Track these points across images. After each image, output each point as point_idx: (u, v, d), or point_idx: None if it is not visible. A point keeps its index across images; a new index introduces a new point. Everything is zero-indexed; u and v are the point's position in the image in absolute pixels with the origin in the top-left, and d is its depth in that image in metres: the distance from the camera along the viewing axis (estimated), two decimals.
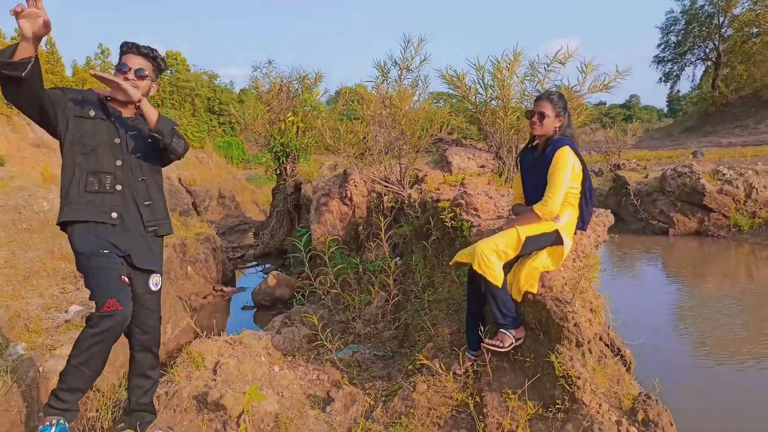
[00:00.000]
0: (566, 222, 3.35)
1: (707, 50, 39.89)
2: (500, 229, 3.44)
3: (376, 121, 5.65)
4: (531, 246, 3.27)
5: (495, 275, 3.20)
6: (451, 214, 4.66)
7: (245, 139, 50.95)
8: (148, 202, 2.86)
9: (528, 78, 6.59)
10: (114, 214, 2.71)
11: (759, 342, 5.07)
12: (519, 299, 3.30)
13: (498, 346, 3.24)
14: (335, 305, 5.20)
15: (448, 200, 4.99)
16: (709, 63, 40.45)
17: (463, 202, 4.68)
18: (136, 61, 2.82)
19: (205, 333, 4.31)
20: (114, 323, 2.42)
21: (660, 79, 43.53)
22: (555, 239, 3.30)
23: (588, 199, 3.46)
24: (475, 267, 3.21)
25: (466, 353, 3.54)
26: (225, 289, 7.42)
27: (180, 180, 13.21)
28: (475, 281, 3.35)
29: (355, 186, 6.48)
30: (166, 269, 6.36)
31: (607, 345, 3.19)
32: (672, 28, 41.16)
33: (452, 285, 4.38)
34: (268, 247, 9.79)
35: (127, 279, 2.63)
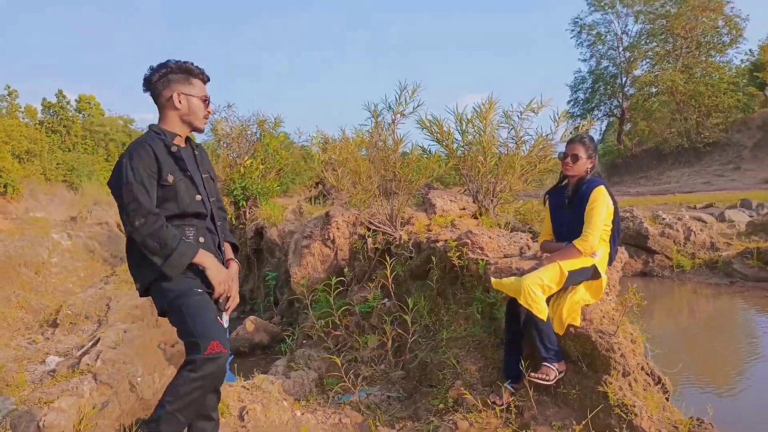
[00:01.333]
0: (601, 257, 3.51)
1: (612, 107, 42.95)
2: (539, 264, 3.54)
3: (370, 163, 5.72)
4: (572, 280, 3.40)
5: (541, 309, 3.29)
6: (458, 254, 4.74)
7: None
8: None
9: (501, 125, 6.90)
10: None
11: (708, 370, 5.37)
12: (561, 332, 3.40)
13: (544, 379, 3.30)
14: (341, 348, 5.10)
15: (446, 240, 5.08)
16: (614, 119, 43.52)
17: (468, 241, 4.78)
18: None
19: None
20: (217, 368, 2.30)
21: (570, 132, 46.13)
22: (593, 273, 3.45)
23: (616, 237, 3.65)
24: (521, 301, 3.29)
25: (506, 386, 3.57)
26: None
27: (118, 225, 12.61)
28: (515, 314, 3.43)
29: (338, 228, 6.46)
30: (139, 316, 6.03)
31: (647, 374, 3.32)
32: (580, 86, 44.12)
33: (466, 323, 4.42)
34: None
35: None
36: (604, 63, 42.26)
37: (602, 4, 40.29)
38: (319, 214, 6.99)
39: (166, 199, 2.44)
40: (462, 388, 3.76)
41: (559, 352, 3.41)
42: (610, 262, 3.70)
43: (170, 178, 2.43)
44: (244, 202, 9.41)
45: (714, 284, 8.49)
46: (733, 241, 9.22)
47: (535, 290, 3.29)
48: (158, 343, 6.44)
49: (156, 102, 2.58)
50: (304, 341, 5.58)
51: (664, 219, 9.65)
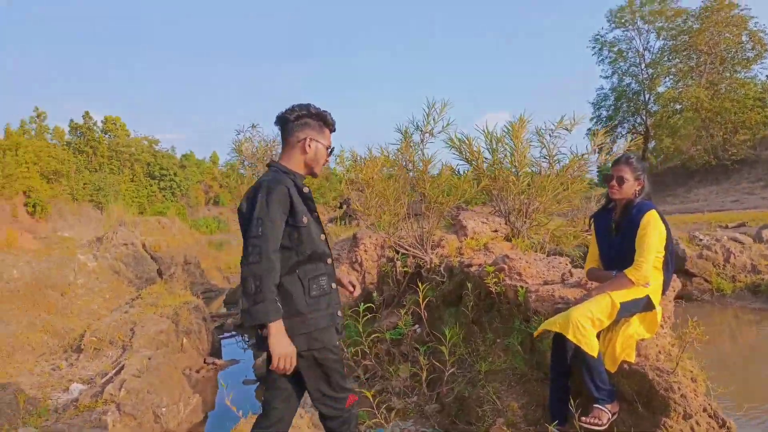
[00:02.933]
0: (654, 286, 3.28)
1: (636, 124, 42.39)
2: (586, 294, 3.31)
3: (400, 185, 5.55)
4: (624, 312, 3.16)
5: (591, 345, 3.06)
6: (495, 279, 4.53)
7: (186, 205, 49.77)
8: None
9: (533, 144, 6.70)
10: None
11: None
12: (614, 370, 3.16)
13: (596, 424, 3.06)
14: (370, 378, 4.89)
15: (480, 265, 4.87)
16: (638, 136, 42.94)
17: (505, 266, 4.57)
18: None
19: (240, 412, 3.92)
20: (353, 417, 2.54)
21: (594, 150, 45.67)
22: (646, 304, 3.21)
23: (670, 263, 3.41)
24: (570, 336, 3.06)
25: (552, 429, 3.32)
26: (217, 361, 6.92)
27: (144, 246, 12.58)
28: (562, 350, 3.20)
29: (365, 251, 6.28)
30: (164, 341, 5.89)
31: (710, 416, 3.06)
32: (603, 103, 43.67)
33: (505, 354, 4.19)
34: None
35: None
36: (627, 80, 41.79)
37: (623, 20, 39.96)
38: (346, 237, 6.82)
39: (301, 240, 2.47)
40: (504, 427, 3.54)
41: (612, 392, 3.16)
42: (664, 291, 3.46)
43: (305, 219, 2.47)
44: None
45: (757, 309, 8.12)
46: None
47: (585, 324, 3.06)
48: (183, 369, 6.30)
49: (284, 140, 2.64)
50: None
51: (701, 240, 9.32)
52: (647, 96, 40.62)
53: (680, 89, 36.96)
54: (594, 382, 3.11)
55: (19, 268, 7.47)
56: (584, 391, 3.18)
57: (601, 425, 3.06)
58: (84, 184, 42.49)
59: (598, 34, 41.44)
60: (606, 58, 42.20)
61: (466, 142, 6.61)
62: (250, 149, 9.36)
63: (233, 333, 9.17)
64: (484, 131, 6.55)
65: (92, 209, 42.13)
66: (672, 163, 38.03)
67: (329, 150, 2.66)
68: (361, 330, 5.37)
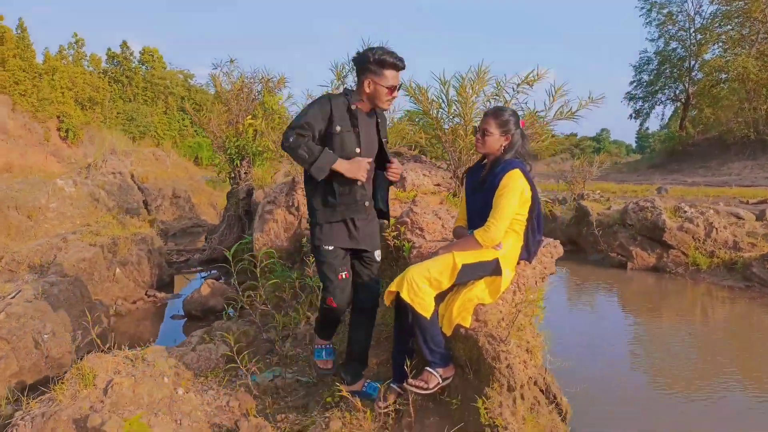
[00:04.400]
0: (508, 251, 3.03)
1: (677, 91, 40.60)
2: (436, 253, 3.09)
3: None
4: (467, 275, 2.94)
5: (424, 305, 2.85)
6: (395, 233, 4.32)
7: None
8: None
9: (494, 98, 6.33)
10: None
11: (710, 377, 4.84)
12: (449, 333, 2.95)
13: (422, 387, 2.88)
14: (263, 322, 4.78)
15: (394, 217, 4.65)
16: (679, 104, 41.18)
17: (408, 220, 4.35)
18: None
19: (108, 345, 3.86)
20: (333, 313, 3.35)
21: (630, 115, 44.08)
22: (494, 269, 2.98)
23: (536, 228, 3.15)
24: (403, 295, 2.86)
25: (392, 387, 3.17)
26: (158, 294, 6.93)
27: (132, 176, 12.63)
28: (402, 310, 3.00)
29: (304, 195, 6.09)
30: (86, 269, 5.87)
31: (542, 390, 2.86)
32: (645, 67, 41.86)
33: (387, 309, 4.01)
34: (215, 253, 9.28)
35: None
36: (673, 44, 39.77)
37: None
38: (286, 180, 6.64)
39: (333, 147, 3.02)
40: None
41: (445, 356, 2.97)
42: (528, 258, 3.22)
43: (338, 128, 3.02)
44: (239, 162, 9.16)
45: (728, 287, 7.75)
46: (758, 242, 8.36)
47: (420, 283, 2.84)
48: (115, 300, 6.29)
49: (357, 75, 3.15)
50: (244, 311, 5.29)
51: (685, 212, 8.86)
52: (692, 62, 38.69)
53: (728, 58, 34.99)
54: (427, 344, 2.92)
55: None
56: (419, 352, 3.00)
57: (426, 389, 2.88)
58: (117, 113, 42.97)
59: None
60: (654, 20, 40.17)
61: (420, 90, 6.29)
62: (226, 85, 9.14)
63: (199, 269, 9.20)
64: (440, 79, 6.20)
65: (125, 138, 42.75)
66: (710, 134, 36.43)
67: (392, 89, 3.05)
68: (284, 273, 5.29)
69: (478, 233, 2.93)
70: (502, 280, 2.96)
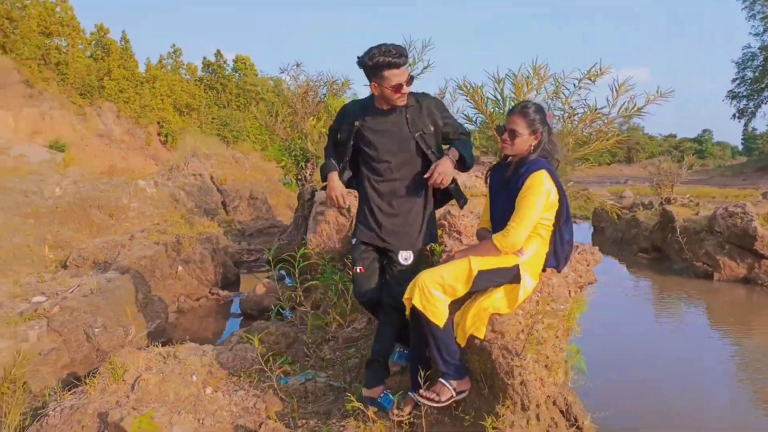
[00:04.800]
0: (531, 257, 2.83)
1: None
2: (452, 257, 2.93)
3: None
4: (484, 282, 2.76)
5: (437, 313, 2.70)
6: None
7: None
8: None
9: (553, 96, 6.02)
10: None
11: None
12: (463, 344, 2.79)
13: (433, 399, 2.73)
14: (302, 324, 4.77)
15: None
16: None
17: (446, 223, 4.19)
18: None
19: (147, 341, 3.98)
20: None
21: (734, 115, 41.27)
22: (514, 276, 2.78)
23: (563, 233, 2.92)
24: (415, 302, 2.72)
25: (409, 394, 3.04)
26: (221, 293, 7.13)
27: (212, 178, 13.13)
28: (416, 316, 2.86)
29: (355, 196, 6.05)
30: (147, 266, 6.11)
31: (562, 412, 2.63)
32: (749, 63, 39.02)
33: None
34: (282, 252, 9.44)
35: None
36: None
37: None
38: None
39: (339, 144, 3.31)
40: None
41: (461, 368, 2.80)
42: (557, 265, 2.99)
43: (344, 132, 3.24)
44: (303, 164, 9.28)
45: None
46: None
47: (432, 289, 2.70)
48: (177, 296, 6.51)
49: None
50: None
51: None
52: None
53: None
54: (441, 354, 2.77)
55: (62, 187, 8.03)
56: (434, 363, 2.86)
57: (438, 401, 2.73)
58: (212, 118, 44.98)
59: None
60: (758, 13, 37.36)
61: (475, 88, 6.08)
62: (292, 88, 9.28)
63: (268, 268, 9.39)
64: (493, 77, 5.96)
65: (219, 142, 44.70)
66: None
67: (397, 88, 2.96)
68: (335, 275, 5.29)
69: (496, 238, 2.75)
70: (520, 288, 2.76)
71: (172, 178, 12.11)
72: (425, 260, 3.53)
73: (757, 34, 38.08)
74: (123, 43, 40.61)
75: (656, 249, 10.10)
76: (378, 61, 2.89)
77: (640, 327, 6.50)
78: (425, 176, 3.06)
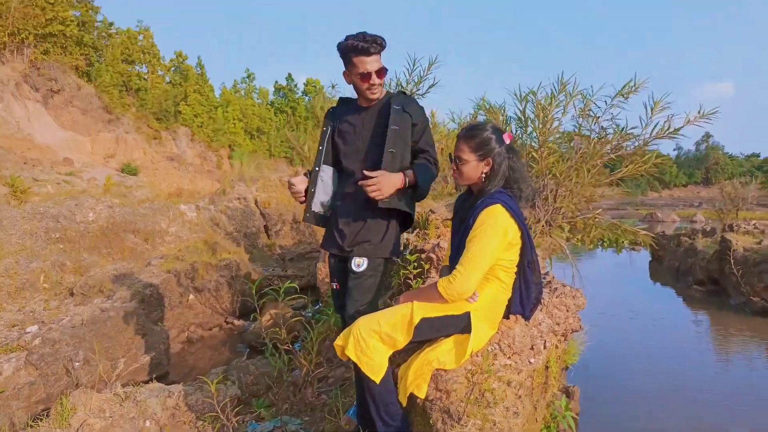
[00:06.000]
0: (486, 303, 2.43)
1: None
2: (397, 301, 2.56)
3: None
4: (428, 332, 2.39)
5: (372, 366, 2.35)
6: (418, 270, 3.80)
7: None
8: None
9: (583, 114, 5.55)
10: None
11: None
12: (404, 403, 2.41)
13: None
14: (289, 363, 4.47)
15: (428, 250, 4.13)
16: None
17: (434, 257, 3.82)
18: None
19: (157, 374, 3.79)
20: None
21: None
22: (465, 325, 2.39)
23: (528, 277, 2.51)
24: (348, 352, 2.38)
25: None
26: (235, 322, 6.95)
27: (256, 202, 13.16)
28: (357, 369, 2.50)
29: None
30: (158, 297, 5.99)
31: None
32: None
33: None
34: (314, 280, 9.23)
35: None
36: None
37: None
38: None
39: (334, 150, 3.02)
40: None
41: (404, 431, 2.42)
42: (523, 312, 2.57)
43: (327, 130, 3.01)
44: None
45: None
46: None
47: (367, 339, 2.35)
48: (187, 325, 6.37)
49: None
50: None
51: None
52: None
53: None
54: (379, 414, 2.42)
55: (96, 211, 8.13)
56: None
57: None
58: (281, 141, 46.05)
59: None
60: None
61: (493, 109, 5.69)
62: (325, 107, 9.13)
63: (297, 296, 9.19)
64: (515, 94, 5.55)
65: (286, 165, 45.70)
66: None
67: (364, 76, 2.73)
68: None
69: (441, 284, 2.36)
70: (471, 339, 2.36)
71: (216, 202, 12.19)
72: (388, 274, 3.17)
73: None
74: (199, 69, 42.37)
75: (713, 281, 9.21)
76: (347, 45, 2.71)
77: (671, 362, 5.85)
78: (363, 172, 2.64)
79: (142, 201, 10.69)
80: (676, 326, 7.53)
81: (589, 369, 5.12)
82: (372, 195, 2.60)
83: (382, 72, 2.75)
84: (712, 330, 7.54)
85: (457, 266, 2.35)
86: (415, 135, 2.82)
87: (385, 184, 2.60)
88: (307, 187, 2.97)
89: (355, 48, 2.67)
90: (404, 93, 2.99)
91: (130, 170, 27.76)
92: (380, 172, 2.61)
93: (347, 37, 2.72)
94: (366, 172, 2.61)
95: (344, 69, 2.81)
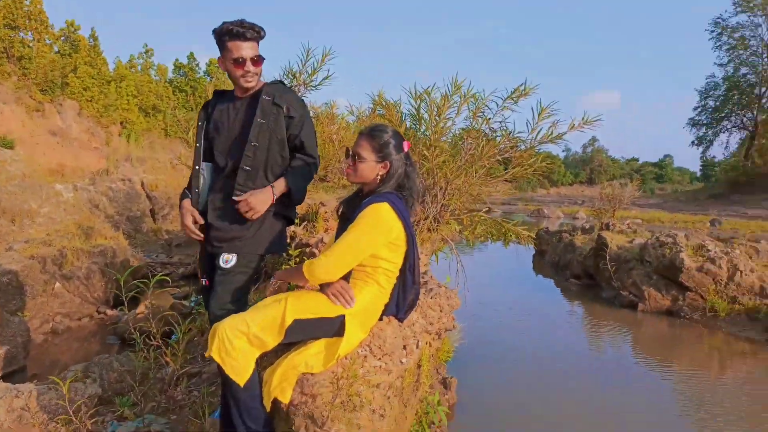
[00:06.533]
0: (363, 307, 2.38)
1: (745, 119, 38.59)
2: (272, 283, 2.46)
3: None
4: (300, 333, 2.31)
5: (237, 369, 2.23)
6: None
7: None
8: None
9: (474, 115, 5.66)
10: None
11: None
12: (268, 408, 2.32)
13: None
14: (156, 359, 4.23)
15: (312, 245, 4.05)
16: (746, 132, 39.16)
17: (317, 252, 3.74)
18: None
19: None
20: None
21: (692, 142, 42.38)
22: (338, 329, 2.33)
23: (408, 282, 2.49)
24: (212, 353, 2.24)
25: None
26: (108, 312, 6.53)
27: (142, 184, 12.48)
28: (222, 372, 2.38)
29: None
30: (18, 285, 5.49)
31: None
32: (711, 92, 40.08)
33: None
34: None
35: None
36: (743, 70, 37.97)
37: (751, 5, 35.93)
38: None
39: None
40: None
41: None
42: (398, 313, 2.55)
43: (199, 125, 2.83)
44: None
45: (748, 339, 6.71)
46: None
47: (233, 339, 2.22)
48: (53, 315, 5.91)
49: None
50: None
51: (708, 251, 7.85)
52: (763, 90, 36.61)
53: None
54: (242, 419, 2.30)
55: None
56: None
57: None
58: (177, 121, 44.01)
59: (719, 18, 37.68)
60: (725, 44, 38.45)
61: (390, 105, 5.68)
62: None
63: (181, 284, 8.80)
64: (410, 92, 5.57)
65: (182, 146, 43.80)
66: None
67: (238, 62, 2.60)
68: None
69: (306, 264, 2.30)
70: (342, 343, 2.30)
71: (97, 183, 11.42)
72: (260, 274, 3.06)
73: (721, 65, 39.25)
74: (92, 41, 39.49)
75: (589, 276, 9.83)
76: (222, 29, 2.60)
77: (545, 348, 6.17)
78: (233, 198, 2.60)
79: (13, 178, 9.82)
80: (552, 316, 7.95)
81: (467, 359, 5.29)
82: (247, 216, 2.58)
83: (258, 60, 2.64)
84: (585, 320, 8.03)
85: (327, 251, 2.30)
86: (292, 128, 2.70)
87: (255, 203, 2.57)
88: (190, 187, 2.83)
89: (230, 32, 2.57)
90: (282, 83, 2.86)
91: (5, 143, 25.50)
92: (249, 194, 2.58)
93: (223, 22, 2.62)
94: (234, 198, 2.59)
95: (220, 57, 2.69)
